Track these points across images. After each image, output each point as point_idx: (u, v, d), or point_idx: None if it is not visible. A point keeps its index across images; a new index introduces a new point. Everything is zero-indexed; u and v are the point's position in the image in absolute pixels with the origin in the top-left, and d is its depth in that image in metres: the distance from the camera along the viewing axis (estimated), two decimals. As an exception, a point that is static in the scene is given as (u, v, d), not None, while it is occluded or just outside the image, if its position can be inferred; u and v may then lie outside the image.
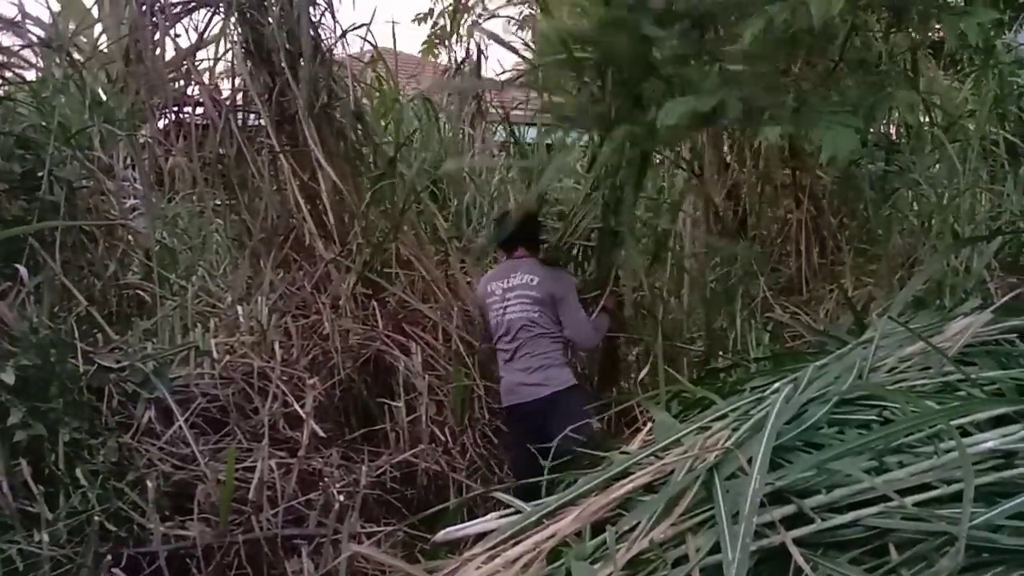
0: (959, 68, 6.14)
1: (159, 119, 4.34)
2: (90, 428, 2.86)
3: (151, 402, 3.10)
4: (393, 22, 6.49)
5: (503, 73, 5.67)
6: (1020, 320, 2.23)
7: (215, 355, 3.56)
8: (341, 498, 3.03)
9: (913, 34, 4.17)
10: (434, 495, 3.60)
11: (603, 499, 1.60)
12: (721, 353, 4.47)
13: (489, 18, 6.00)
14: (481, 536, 1.69)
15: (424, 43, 6.59)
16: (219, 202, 4.56)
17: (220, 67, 4.38)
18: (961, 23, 2.58)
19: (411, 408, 3.77)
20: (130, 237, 4.12)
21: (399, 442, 3.71)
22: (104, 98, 4.39)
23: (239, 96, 4.24)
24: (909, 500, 1.47)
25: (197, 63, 4.30)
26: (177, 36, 4.17)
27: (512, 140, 5.77)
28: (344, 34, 4.38)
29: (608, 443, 2.47)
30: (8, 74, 4.07)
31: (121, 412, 3.07)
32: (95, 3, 5.39)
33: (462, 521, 1.87)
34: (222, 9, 4.03)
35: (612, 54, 2.86)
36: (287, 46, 3.99)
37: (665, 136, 2.99)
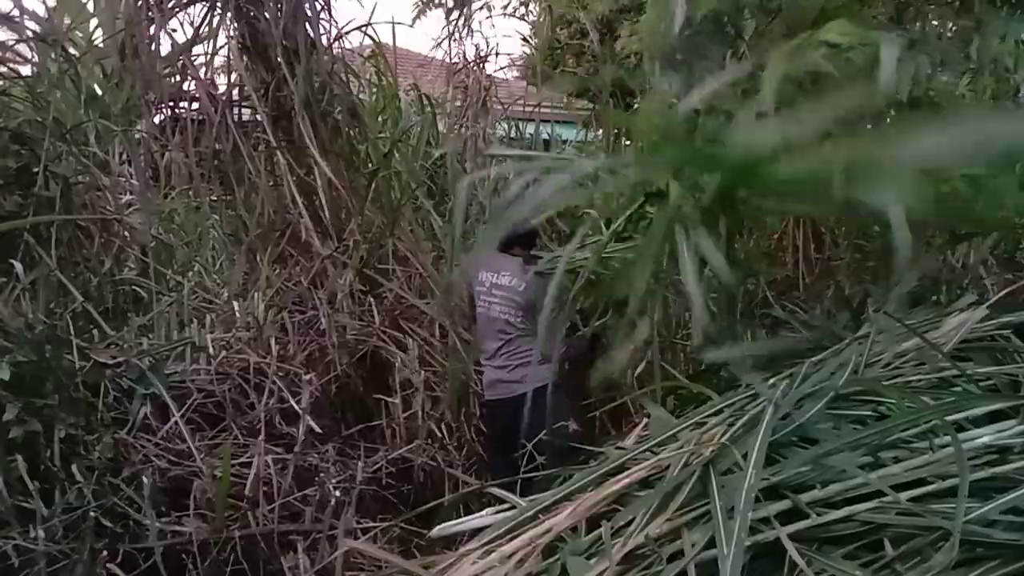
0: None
1: (155, 115, 4.33)
2: (86, 424, 2.86)
3: (147, 398, 3.10)
4: (393, 22, 6.47)
5: (507, 66, 5.66)
6: (1015, 316, 2.23)
7: (211, 351, 3.55)
8: (337, 494, 3.03)
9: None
10: (430, 491, 3.60)
11: (599, 495, 1.60)
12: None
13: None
14: (477, 532, 1.69)
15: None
16: (215, 198, 4.55)
17: (216, 62, 4.37)
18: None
19: (407, 404, 3.77)
20: (126, 233, 4.10)
21: (395, 438, 3.71)
22: (100, 93, 4.37)
23: (235, 91, 4.23)
24: (904, 495, 1.47)
25: (193, 58, 4.29)
26: (173, 31, 4.16)
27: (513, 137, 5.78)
28: (342, 30, 4.37)
29: (587, 442, 2.47)
30: (3, 69, 4.05)
31: (117, 408, 3.07)
32: (91, -2, 5.38)
33: (458, 517, 1.87)
34: (218, 4, 4.02)
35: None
36: (283, 42, 3.98)
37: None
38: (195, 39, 4.22)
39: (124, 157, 4.44)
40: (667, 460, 1.65)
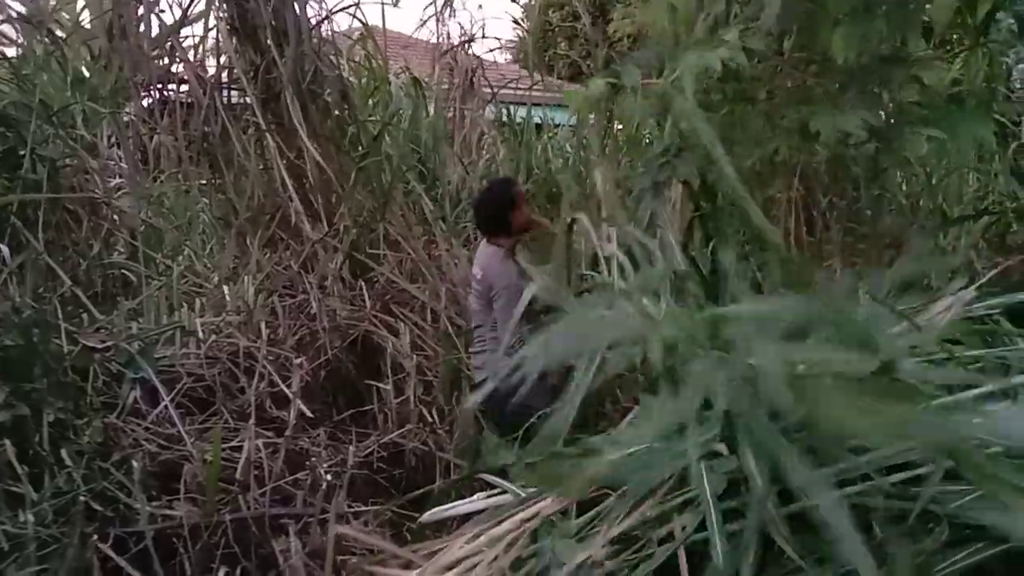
0: (949, 48, 6.12)
1: (143, 97, 4.29)
2: (75, 408, 2.85)
3: (136, 382, 3.09)
4: (383, 1, 6.41)
5: (496, 48, 5.63)
6: (1005, 298, 2.24)
7: (201, 335, 3.54)
8: (328, 478, 3.03)
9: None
10: (422, 475, 3.60)
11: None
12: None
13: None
14: (468, 516, 1.69)
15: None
16: (205, 181, 4.52)
17: (205, 44, 4.33)
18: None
19: (399, 388, 3.76)
20: (115, 216, 4.08)
21: (387, 422, 3.71)
22: (87, 75, 4.33)
23: (224, 74, 4.20)
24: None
25: (182, 40, 4.25)
26: (161, 12, 4.12)
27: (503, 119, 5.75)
28: (331, 11, 4.34)
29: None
30: (-12, 50, 4.01)
31: (106, 392, 3.06)
32: (77, -22, 5.31)
33: (449, 501, 1.87)
34: (207, -16, 3.98)
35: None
36: (272, 22, 3.94)
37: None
38: (183, 20, 4.18)
39: (112, 140, 4.41)
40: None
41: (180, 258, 4.53)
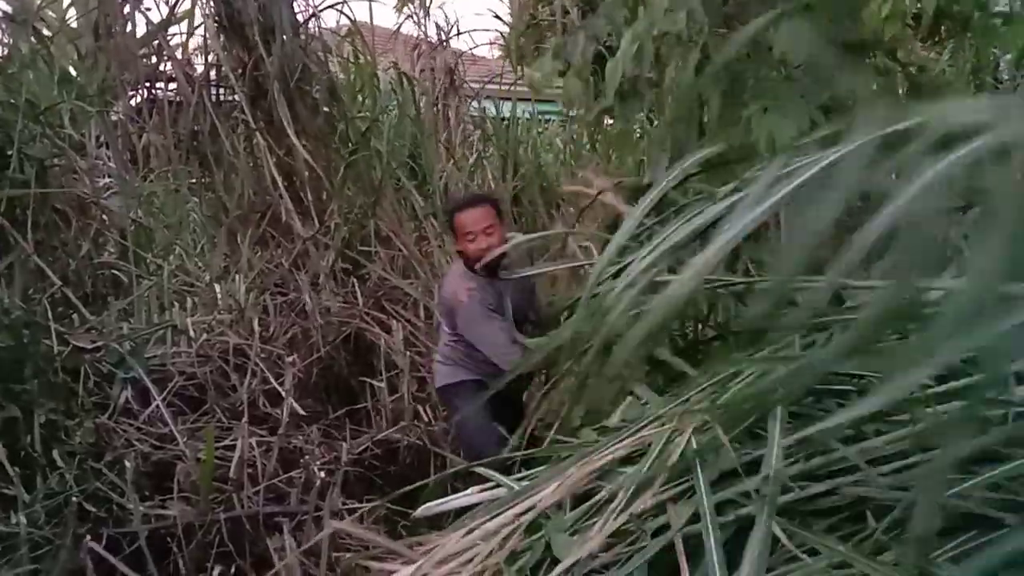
0: (936, 38, 6.14)
1: (131, 96, 4.27)
2: (66, 409, 2.83)
3: (128, 382, 3.08)
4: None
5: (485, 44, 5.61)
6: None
7: (192, 334, 3.53)
8: (322, 475, 3.02)
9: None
10: (416, 471, 3.60)
11: (582, 471, 1.60)
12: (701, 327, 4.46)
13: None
14: (463, 511, 1.69)
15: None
16: (194, 180, 4.50)
17: (193, 42, 4.31)
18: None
19: (392, 385, 3.76)
20: (104, 216, 4.06)
21: (380, 419, 3.71)
22: (74, 74, 4.30)
23: (212, 72, 4.18)
24: (886, 468, 1.48)
25: (169, 38, 4.23)
26: (148, 10, 4.09)
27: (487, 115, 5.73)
28: (318, 8, 4.32)
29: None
30: (-27, 50, 3.97)
31: (97, 393, 3.04)
32: (63, -24, 5.27)
33: (443, 496, 1.87)
34: (193, -18, 3.96)
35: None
36: (259, 19, 3.92)
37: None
38: (170, 18, 4.16)
39: (100, 139, 4.38)
40: (650, 436, 1.65)
41: (171, 257, 4.51)
